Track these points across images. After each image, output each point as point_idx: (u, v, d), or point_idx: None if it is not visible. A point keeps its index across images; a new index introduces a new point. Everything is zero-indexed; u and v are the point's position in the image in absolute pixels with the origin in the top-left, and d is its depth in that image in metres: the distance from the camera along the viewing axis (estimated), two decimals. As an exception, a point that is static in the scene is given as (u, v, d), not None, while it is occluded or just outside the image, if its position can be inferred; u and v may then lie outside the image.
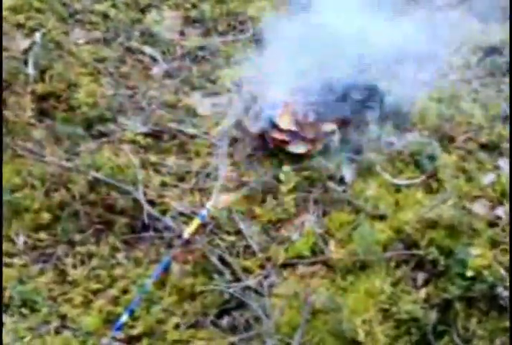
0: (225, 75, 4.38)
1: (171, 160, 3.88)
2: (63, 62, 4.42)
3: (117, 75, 4.43)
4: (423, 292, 3.29)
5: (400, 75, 3.94)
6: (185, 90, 4.37)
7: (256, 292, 3.32)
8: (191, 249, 3.45)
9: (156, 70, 4.53)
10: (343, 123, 3.70)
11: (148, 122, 4.11)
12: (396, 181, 3.58)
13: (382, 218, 3.49)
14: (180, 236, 3.48)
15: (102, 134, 4.03)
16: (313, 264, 3.41)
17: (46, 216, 3.58)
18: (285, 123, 3.63)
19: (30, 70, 4.31)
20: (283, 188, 3.57)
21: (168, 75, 4.48)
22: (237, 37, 4.61)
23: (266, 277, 3.40)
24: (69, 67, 4.40)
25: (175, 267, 3.41)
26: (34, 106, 4.17)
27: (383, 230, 3.41)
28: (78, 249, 3.51)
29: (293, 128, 3.62)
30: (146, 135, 4.03)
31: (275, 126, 3.64)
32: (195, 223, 3.45)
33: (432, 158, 3.66)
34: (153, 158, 3.88)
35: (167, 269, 3.39)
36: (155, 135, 4.04)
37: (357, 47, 3.86)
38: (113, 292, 3.37)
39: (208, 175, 3.77)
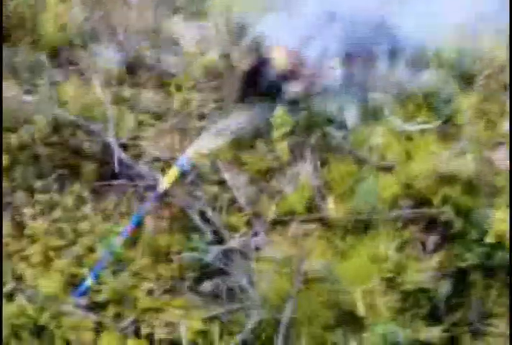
0: (214, -2, 3.76)
1: (148, 95, 3.33)
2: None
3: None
4: (434, 259, 2.83)
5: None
6: (166, 12, 3.75)
7: (241, 254, 2.83)
8: (168, 202, 2.94)
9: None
10: (348, 59, 3.11)
11: (122, 51, 3.52)
12: (407, 127, 3.07)
13: (389, 170, 3.02)
14: (155, 187, 2.95)
15: (69, 63, 3.45)
16: (307, 222, 2.94)
17: (3, 159, 3.02)
18: (281, 57, 3.06)
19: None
20: (276, 132, 3.04)
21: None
22: None
23: (253, 236, 2.89)
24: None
25: (149, 223, 2.93)
26: (-3, 29, 3.53)
27: (390, 184, 2.93)
28: (39, 197, 3.02)
29: (289, 65, 3.05)
30: (120, 65, 3.44)
31: (267, 64, 3.07)
32: (173, 171, 2.93)
33: (449, 100, 3.11)
34: (127, 93, 3.33)
35: (139, 225, 2.89)
36: (130, 66, 3.46)
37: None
38: (77, 249, 2.90)
39: (189, 114, 3.22)
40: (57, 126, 3.12)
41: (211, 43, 3.49)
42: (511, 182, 2.98)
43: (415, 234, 2.81)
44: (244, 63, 3.22)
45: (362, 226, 2.84)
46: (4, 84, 3.18)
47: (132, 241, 2.86)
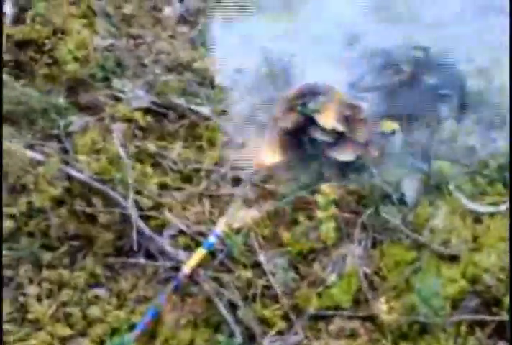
0: (256, 26, 3.28)
1: (176, 151, 2.89)
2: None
3: (117, 19, 3.36)
4: (503, 373, 2.35)
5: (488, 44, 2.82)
6: (202, 44, 3.28)
7: (275, 356, 2.39)
8: (191, 290, 2.50)
9: (168, 12, 3.46)
10: (408, 121, 2.62)
11: (151, 90, 3.08)
12: (476, 206, 2.56)
13: (453, 259, 2.52)
14: (178, 268, 2.52)
15: (88, 107, 3.01)
16: (353, 318, 2.46)
17: (7, 224, 2.61)
18: (329, 119, 2.58)
19: (7, 8, 3.23)
20: (321, 207, 2.55)
21: (183, 19, 3.41)
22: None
23: (290, 332, 2.45)
24: (55, 5, 3.32)
25: (169, 315, 2.49)
26: (8, 56, 3.11)
27: (454, 278, 2.45)
28: (46, 273, 2.58)
29: (340, 127, 2.57)
30: (146, 111, 3.01)
31: (314, 122, 2.59)
32: (199, 253, 2.49)
33: (527, 173, 2.60)
34: (152, 146, 2.88)
35: (157, 316, 2.45)
36: (158, 112, 3.02)
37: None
38: (86, 343, 2.46)
39: (223, 177, 2.77)
40: (70, 189, 2.66)
41: (251, 87, 3.00)
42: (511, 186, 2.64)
43: (482, 341, 2.30)
44: (286, 118, 2.74)
45: (418, 329, 2.35)
46: (6, 132, 2.74)
47: (150, 335, 2.41)
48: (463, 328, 2.41)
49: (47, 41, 3.23)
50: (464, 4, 2.70)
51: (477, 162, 2.67)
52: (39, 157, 2.73)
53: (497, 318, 2.39)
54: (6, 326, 2.51)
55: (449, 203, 2.61)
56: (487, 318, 2.39)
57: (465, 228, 2.56)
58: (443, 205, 2.60)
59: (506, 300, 2.42)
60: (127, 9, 3.40)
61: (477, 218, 2.61)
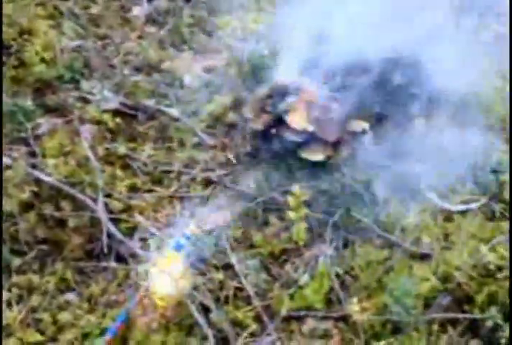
0: (225, 25, 3.26)
1: (146, 152, 2.87)
2: (15, 0, 3.31)
3: (84, 19, 3.34)
4: (476, 371, 2.36)
5: (454, 43, 2.83)
6: (171, 44, 3.27)
7: (248, 359, 2.39)
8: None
9: (137, 12, 3.44)
10: (377, 120, 2.62)
11: (120, 90, 3.06)
12: (447, 205, 2.56)
13: (424, 258, 2.52)
14: (148, 271, 2.50)
15: (56, 109, 2.98)
16: (326, 319, 2.45)
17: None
18: (299, 119, 2.57)
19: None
20: (293, 207, 2.54)
21: (152, 20, 3.39)
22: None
23: (263, 334, 2.44)
24: (22, 6, 3.29)
25: (140, 318, 2.47)
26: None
27: (426, 276, 2.45)
28: (16, 278, 2.55)
29: (310, 127, 2.57)
30: (115, 113, 2.99)
31: (284, 122, 2.58)
32: (170, 255, 2.47)
33: (498, 171, 2.61)
34: (122, 148, 2.86)
35: (129, 320, 2.43)
36: (127, 113, 3.00)
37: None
38: (56, 348, 2.43)
39: (193, 179, 2.76)
40: (38, 193, 2.63)
41: (221, 87, 2.99)
42: (511, 186, 2.62)
43: (454, 339, 2.32)
44: (258, 119, 2.73)
45: (391, 329, 2.35)
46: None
47: (121, 340, 2.39)
48: (435, 327, 2.41)
49: (13, 42, 3.19)
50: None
51: (447, 161, 2.65)
52: (6, 160, 2.68)
53: (469, 315, 2.38)
54: (-25, 332, 2.46)
55: (420, 201, 2.59)
56: (460, 315, 2.38)
57: (436, 226, 2.57)
58: (414, 204, 2.57)
59: (478, 297, 2.43)
60: (95, 10, 3.39)
61: (448, 217, 2.61)
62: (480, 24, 3.08)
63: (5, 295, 2.54)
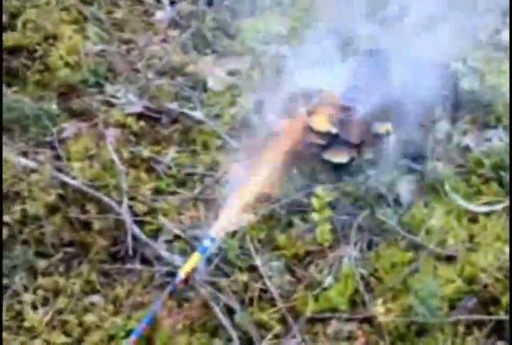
0: (248, 28, 3.29)
1: (170, 155, 2.90)
2: (39, 5, 3.35)
3: (108, 24, 3.37)
4: (502, 373, 2.35)
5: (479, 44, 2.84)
6: (194, 47, 3.30)
7: (274, 361, 2.40)
8: (187, 295, 2.51)
9: (160, 16, 3.47)
10: (402, 122, 2.63)
11: (144, 94, 3.10)
12: (471, 206, 2.56)
13: (450, 259, 2.52)
14: (174, 273, 2.52)
15: (81, 113, 3.02)
16: (351, 320, 2.46)
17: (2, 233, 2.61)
18: (322, 122, 2.58)
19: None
20: (316, 209, 2.55)
21: (175, 23, 3.43)
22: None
23: (287, 335, 2.45)
24: (46, 11, 3.34)
25: (165, 320, 2.49)
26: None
27: (451, 278, 2.45)
28: (41, 281, 2.57)
29: (333, 129, 2.58)
30: (139, 116, 3.02)
31: (308, 125, 2.60)
32: (195, 257, 2.49)
33: (523, 171, 2.61)
34: (146, 151, 2.88)
35: (154, 322, 2.45)
36: (151, 116, 3.03)
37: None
38: (83, 349, 2.46)
39: (217, 181, 2.78)
40: (64, 196, 2.67)
41: (244, 90, 3.01)
42: (511, 184, 2.64)
43: (480, 340, 2.31)
44: (280, 122, 2.74)
45: (417, 330, 2.35)
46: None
47: (146, 341, 2.41)
48: (461, 328, 2.41)
49: (38, 47, 3.23)
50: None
51: (471, 162, 2.65)
52: (32, 164, 2.72)
53: (495, 317, 2.38)
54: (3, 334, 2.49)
55: (445, 203, 2.60)
56: (485, 317, 2.38)
57: (461, 228, 2.57)
58: (438, 205, 2.58)
59: (504, 299, 2.42)
60: (118, 14, 3.42)
61: (473, 218, 2.61)
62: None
63: (30, 297, 2.58)
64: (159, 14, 3.48)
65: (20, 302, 2.60)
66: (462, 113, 2.74)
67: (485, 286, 2.47)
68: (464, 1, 2.96)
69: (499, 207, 2.62)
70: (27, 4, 3.34)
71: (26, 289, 2.62)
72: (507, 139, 2.73)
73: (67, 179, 2.70)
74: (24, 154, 2.79)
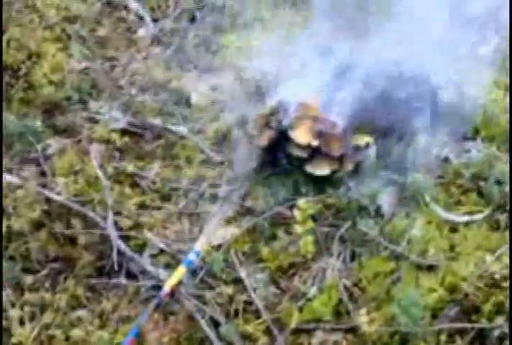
0: (229, 44, 3.34)
1: (154, 170, 2.93)
2: (23, 24, 3.39)
3: (92, 42, 3.42)
4: (485, 382, 2.39)
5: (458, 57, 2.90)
6: (177, 64, 3.34)
7: (261, 375, 2.43)
8: (172, 308, 2.54)
9: (142, 33, 3.52)
10: (382, 134, 2.68)
11: (127, 110, 3.13)
12: (452, 216, 2.61)
13: (431, 269, 2.57)
14: (160, 287, 2.55)
15: (66, 129, 3.06)
16: (336, 330, 2.49)
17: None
18: (304, 134, 2.63)
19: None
20: (299, 221, 2.59)
21: (157, 40, 3.48)
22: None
23: (273, 347, 2.48)
24: (30, 30, 3.38)
25: (152, 333, 2.52)
26: (-16, 82, 3.17)
27: (433, 288, 2.48)
28: (28, 296, 2.59)
29: (314, 142, 2.63)
30: (123, 132, 3.06)
31: (289, 138, 2.65)
32: (180, 272, 2.52)
33: (502, 182, 2.66)
34: (130, 167, 2.92)
35: (140, 335, 2.48)
36: (135, 132, 3.07)
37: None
38: (69, 365, 2.48)
39: (201, 195, 2.81)
40: (49, 212, 2.70)
41: (226, 105, 3.06)
42: (511, 188, 2.67)
43: (462, 349, 2.34)
44: (262, 136, 2.79)
45: (399, 339, 2.39)
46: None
47: (133, 355, 2.43)
48: (443, 337, 2.44)
49: (22, 65, 3.26)
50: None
51: (451, 173, 2.70)
52: (16, 180, 2.75)
53: (476, 325, 2.41)
54: (-11, 350, 2.50)
55: (426, 213, 2.65)
56: (467, 325, 2.42)
57: (442, 238, 2.61)
58: (419, 216, 2.62)
59: (485, 307, 2.46)
60: (101, 32, 3.45)
61: (454, 228, 2.66)
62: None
63: (17, 312, 2.59)
64: (141, 32, 3.52)
65: (7, 318, 2.59)
66: (441, 125, 2.77)
67: (466, 295, 2.50)
68: (442, 16, 3.01)
69: (479, 217, 2.66)
70: (11, 23, 3.35)
71: (13, 305, 2.63)
72: (485, 150, 2.77)
73: (52, 194, 2.71)
74: (9, 170, 2.80)
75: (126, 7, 3.58)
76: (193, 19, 3.51)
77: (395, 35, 2.89)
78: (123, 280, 2.67)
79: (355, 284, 2.62)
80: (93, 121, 3.10)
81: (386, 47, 2.84)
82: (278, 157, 2.76)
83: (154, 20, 3.55)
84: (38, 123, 3.04)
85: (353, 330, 2.53)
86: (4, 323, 2.60)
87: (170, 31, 3.51)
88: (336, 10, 3.02)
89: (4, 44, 3.37)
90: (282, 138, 2.74)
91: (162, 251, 2.72)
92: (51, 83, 3.21)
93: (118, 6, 3.56)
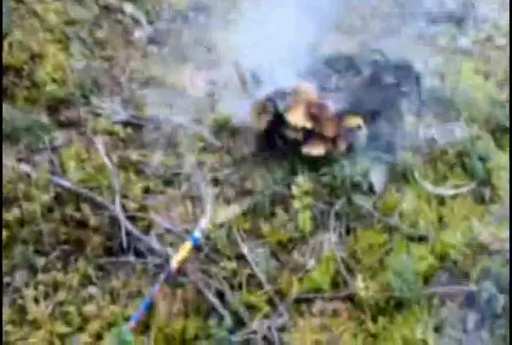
0: (222, 41, 3.52)
1: (156, 158, 3.09)
2: (24, 27, 3.55)
3: (91, 42, 3.58)
4: (474, 340, 2.55)
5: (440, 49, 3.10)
6: (174, 61, 3.52)
7: (264, 338, 2.58)
8: (181, 282, 2.69)
9: (139, 35, 3.69)
10: (371, 116, 2.86)
11: (128, 104, 3.29)
12: (439, 190, 2.79)
13: (421, 239, 2.74)
14: (167, 264, 2.70)
15: (70, 123, 3.22)
16: (334, 299, 2.66)
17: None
18: (298, 118, 2.81)
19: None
20: (297, 199, 2.77)
21: (153, 41, 3.65)
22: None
23: (275, 316, 2.64)
24: (32, 32, 3.53)
25: (161, 306, 2.67)
26: (-11, 82, 3.31)
27: (423, 256, 2.67)
28: (41, 277, 2.74)
29: (308, 124, 2.80)
30: (125, 124, 3.22)
31: (285, 121, 2.83)
32: (186, 248, 2.68)
33: (484, 158, 2.85)
34: (134, 155, 3.08)
35: (150, 308, 2.63)
36: (137, 124, 3.23)
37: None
38: (85, 337, 2.63)
39: (203, 179, 2.98)
40: (59, 198, 2.85)
41: (222, 96, 3.24)
42: (511, 186, 2.80)
43: (453, 311, 2.52)
44: (259, 121, 2.96)
45: (394, 304, 2.55)
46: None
47: (144, 325, 2.58)
48: (435, 301, 2.59)
49: (25, 66, 3.40)
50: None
51: (437, 151, 2.88)
52: (27, 168, 2.89)
53: (465, 288, 2.58)
54: (6, 328, 2.64)
55: (415, 188, 2.82)
56: (457, 288, 2.58)
57: (431, 210, 2.78)
58: (409, 191, 2.79)
59: (473, 272, 2.62)
60: (100, 34, 3.62)
61: (441, 201, 2.82)
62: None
63: (31, 292, 2.72)
64: (138, 32, 3.69)
65: (22, 297, 2.73)
66: (426, 108, 2.96)
67: (455, 262, 2.67)
68: (423, 12, 3.22)
69: (464, 190, 2.84)
70: (13, 27, 3.51)
71: (27, 285, 2.76)
72: (468, 130, 2.96)
73: (61, 181, 2.86)
74: (20, 160, 2.95)
75: (122, 11, 3.72)
76: (186, 20, 3.66)
77: (380, 30, 3.09)
78: (131, 258, 2.79)
79: (351, 256, 2.77)
80: (96, 114, 3.24)
81: (374, 40, 3.02)
82: (275, 140, 2.91)
83: (150, 22, 3.69)
84: (44, 118, 3.17)
85: (350, 298, 2.68)
86: (20, 301, 2.72)
87: (165, 31, 3.66)
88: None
89: (8, 46, 3.49)
90: (278, 122, 2.90)
91: (167, 230, 2.85)
92: (54, 81, 3.34)
93: (114, 9, 3.70)
